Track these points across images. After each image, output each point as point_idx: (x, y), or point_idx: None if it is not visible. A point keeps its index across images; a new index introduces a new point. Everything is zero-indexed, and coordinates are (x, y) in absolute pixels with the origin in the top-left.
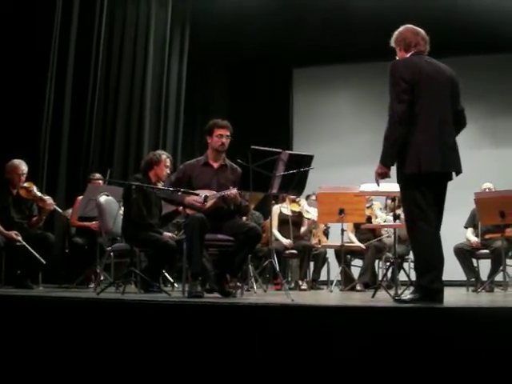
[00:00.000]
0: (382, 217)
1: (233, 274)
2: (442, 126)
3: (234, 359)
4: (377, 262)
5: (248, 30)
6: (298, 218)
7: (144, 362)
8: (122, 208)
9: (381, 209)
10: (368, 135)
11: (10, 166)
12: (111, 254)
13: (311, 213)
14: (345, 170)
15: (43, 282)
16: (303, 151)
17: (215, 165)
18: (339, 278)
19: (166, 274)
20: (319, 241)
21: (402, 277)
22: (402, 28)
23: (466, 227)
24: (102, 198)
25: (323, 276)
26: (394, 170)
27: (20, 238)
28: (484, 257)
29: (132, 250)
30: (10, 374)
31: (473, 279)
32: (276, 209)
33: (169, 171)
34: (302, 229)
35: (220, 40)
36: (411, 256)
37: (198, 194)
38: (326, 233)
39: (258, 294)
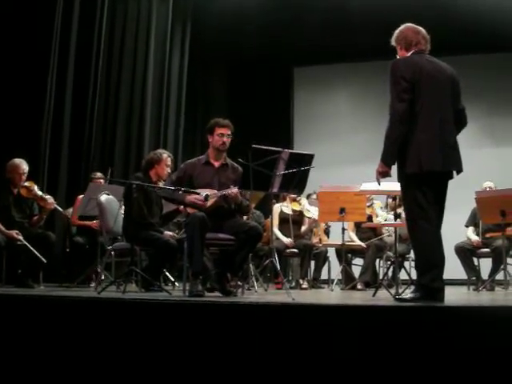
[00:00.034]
0: (382, 216)
1: (233, 273)
2: (443, 125)
3: (235, 358)
4: (378, 260)
5: (248, 30)
6: (298, 216)
7: (145, 361)
8: (123, 207)
9: (381, 208)
10: (368, 134)
11: (11, 166)
12: (112, 253)
13: (312, 212)
14: (345, 169)
15: (44, 281)
16: (304, 150)
17: (216, 164)
18: (340, 277)
19: (167, 273)
20: (320, 240)
21: (402, 276)
22: (402, 27)
23: (466, 226)
24: (103, 197)
25: (324, 275)
26: (394, 168)
27: (21, 238)
28: (485, 256)
29: (133, 249)
30: (10, 374)
31: (474, 278)
32: (277, 208)
33: (170, 170)
34: (303, 228)
35: (220, 39)
36: (412, 255)
37: (198, 193)
38: (326, 232)
39: (258, 293)
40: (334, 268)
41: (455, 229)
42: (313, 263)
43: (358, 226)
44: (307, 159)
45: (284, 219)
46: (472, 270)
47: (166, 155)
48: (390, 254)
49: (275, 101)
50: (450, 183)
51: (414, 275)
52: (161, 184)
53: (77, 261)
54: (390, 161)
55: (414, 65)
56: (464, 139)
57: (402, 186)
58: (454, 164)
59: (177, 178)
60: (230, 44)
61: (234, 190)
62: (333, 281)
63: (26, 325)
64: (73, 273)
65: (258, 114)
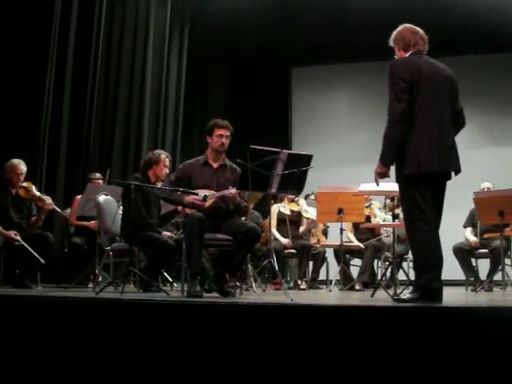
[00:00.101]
0: (381, 216)
1: (232, 274)
2: (441, 126)
3: (234, 359)
4: (376, 261)
5: (247, 30)
6: (296, 217)
7: (143, 362)
8: (121, 207)
9: (380, 208)
10: (367, 134)
11: (9, 166)
12: (110, 253)
13: (310, 212)
14: (344, 170)
15: (42, 281)
16: (302, 150)
17: (215, 165)
18: (338, 278)
19: (165, 274)
20: (318, 240)
21: (401, 276)
22: (400, 27)
23: (464, 227)
24: (101, 198)
25: (322, 275)
26: (392, 169)
27: (19, 238)
28: (483, 256)
29: (131, 249)
30: (9, 374)
31: (472, 279)
32: (275, 208)
33: (168, 171)
34: (301, 228)
35: (219, 39)
36: (410, 255)
37: (197, 194)
38: (325, 232)
39: (257, 294)
40: (332, 268)
41: (453, 229)
42: (311, 264)
43: (356, 227)
44: (306, 160)
45: (282, 220)
46: (470, 270)
47: (164, 156)
48: (388, 254)
49: (274, 101)
50: (448, 184)
51: (412, 276)
52: (159, 185)
53: (75, 261)
54: (388, 161)
55: (413, 65)
56: (462, 139)
57: (400, 187)
58: (452, 165)
59: (175, 179)
60: (228, 44)
61: (233, 190)
62: (331, 281)
63: (23, 325)
64: (71, 273)
65: (256, 115)
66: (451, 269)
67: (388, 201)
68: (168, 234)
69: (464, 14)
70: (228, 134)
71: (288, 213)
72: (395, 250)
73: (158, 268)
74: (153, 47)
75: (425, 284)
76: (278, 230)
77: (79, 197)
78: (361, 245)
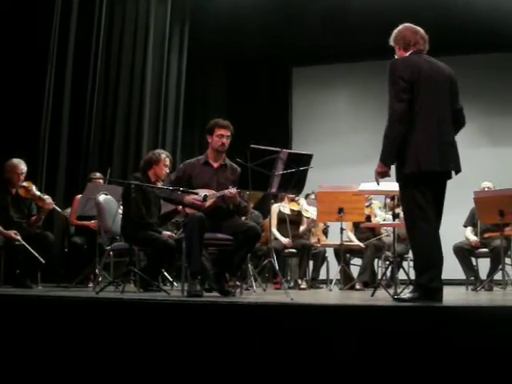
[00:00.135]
0: (381, 216)
1: (232, 273)
2: (441, 125)
3: (234, 358)
4: (376, 260)
5: (247, 29)
6: (297, 216)
7: (143, 361)
8: (121, 207)
9: (380, 208)
10: (367, 134)
11: (9, 166)
12: (110, 253)
13: (310, 212)
14: (344, 169)
15: (42, 281)
16: (302, 150)
17: (215, 164)
18: (338, 277)
19: (166, 273)
20: (318, 240)
21: (401, 276)
22: (400, 27)
23: (465, 226)
24: (101, 197)
25: (322, 275)
26: (393, 168)
27: (19, 238)
28: (483, 256)
29: (131, 249)
30: (9, 374)
31: (472, 278)
32: (275, 208)
33: (168, 170)
34: (301, 228)
35: (219, 39)
36: (410, 255)
37: (197, 194)
38: (325, 232)
39: (257, 293)
40: (332, 268)
41: (453, 229)
42: (311, 263)
43: (356, 226)
44: (306, 159)
45: (282, 219)
46: (470, 270)
47: (164, 155)
48: (389, 253)
49: (274, 101)
50: (449, 183)
51: (412, 275)
52: (159, 184)
53: (75, 261)
54: (388, 161)
55: (413, 65)
56: (462, 139)
57: (400, 186)
58: (452, 164)
59: (176, 178)
60: (229, 44)
61: (233, 190)
62: (331, 281)
63: (24, 325)
64: (71, 273)
65: (256, 114)
66: (451, 268)
67: (388, 200)
68: (168, 233)
69: (464, 13)
70: (229, 134)
71: (288, 212)
72: (395, 249)
73: (158, 267)
74: (153, 47)
75: (425, 283)
76: (278, 229)
77: (79, 196)
78: (361, 244)
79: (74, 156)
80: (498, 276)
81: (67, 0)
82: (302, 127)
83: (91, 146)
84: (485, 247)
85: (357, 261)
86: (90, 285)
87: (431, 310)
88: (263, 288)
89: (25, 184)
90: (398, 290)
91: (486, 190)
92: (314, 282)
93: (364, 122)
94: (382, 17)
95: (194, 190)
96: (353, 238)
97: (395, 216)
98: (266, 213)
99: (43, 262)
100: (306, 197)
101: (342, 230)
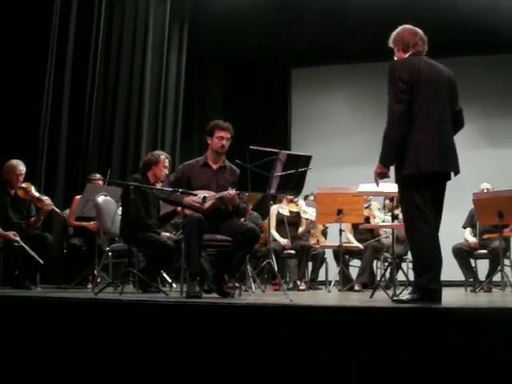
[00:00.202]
0: (380, 217)
1: (231, 275)
2: (441, 126)
3: (233, 359)
4: (375, 262)
5: (246, 30)
6: (296, 218)
7: (142, 362)
8: (120, 208)
9: (379, 209)
10: (366, 135)
11: (8, 167)
12: (109, 254)
13: (309, 213)
14: (343, 170)
15: (41, 282)
16: (301, 151)
17: (214, 166)
18: (337, 278)
19: (164, 275)
20: (317, 241)
21: (400, 277)
22: (399, 28)
23: (464, 227)
24: (100, 198)
25: (321, 276)
26: (392, 169)
27: (18, 239)
28: (482, 257)
29: (130, 250)
30: (8, 375)
31: (471, 279)
32: (274, 209)
33: (167, 171)
34: (300, 229)
35: (218, 39)
36: (409, 256)
37: (196, 195)
38: (324, 233)
39: (256, 295)
40: (331, 269)
41: (452, 230)
42: (310, 264)
43: (355, 228)
44: (305, 160)
45: (281, 220)
46: (469, 271)
47: (163, 156)
48: (388, 255)
49: (273, 102)
50: (448, 184)
51: (411, 276)
52: (158, 185)
53: (74, 262)
54: (388, 162)
55: (412, 66)
56: (461, 140)
57: (399, 188)
58: (451, 165)
59: (175, 179)
60: (228, 44)
61: (232, 192)
62: (330, 282)
63: (22, 326)
64: (70, 274)
65: (255, 115)
66: (450, 269)
67: (387, 201)
68: (167, 234)
69: (464, 14)
70: (229, 136)
71: (287, 213)
72: (394, 250)
73: (157, 269)
74: (152, 47)
75: (424, 285)
76: (277, 230)
77: (78, 197)
78: (360, 245)
79: (73, 157)
80: (496, 277)
81: (66, 0)
82: (301, 128)
83: (90, 146)
84: (484, 248)
85: (356, 262)
86: (89, 286)
87: (430, 312)
88: (262, 289)
89: (24, 185)
90: (397, 292)
91: (485, 191)
92: (313, 284)
93: (363, 122)
94: (381, 18)
95: (193, 192)
96: (352, 239)
97: (394, 217)
98: (265, 214)
99: (42, 263)
100: (305, 198)
101: (340, 231)
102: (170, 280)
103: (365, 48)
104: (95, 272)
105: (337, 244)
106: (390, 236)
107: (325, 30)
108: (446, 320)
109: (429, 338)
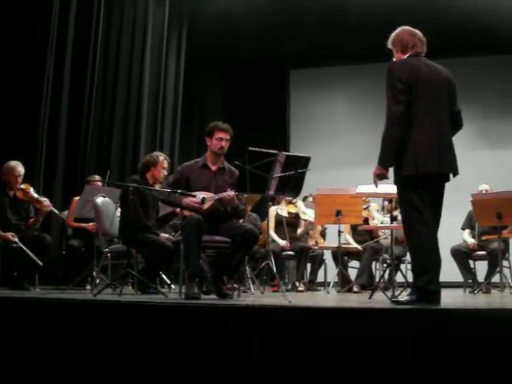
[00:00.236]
0: (379, 218)
1: (230, 276)
2: (439, 127)
3: (231, 361)
4: (374, 263)
5: (245, 32)
6: (294, 219)
7: (141, 364)
8: (119, 209)
9: (378, 210)
10: (365, 136)
11: (7, 168)
12: (108, 255)
13: (308, 214)
14: (342, 171)
15: (40, 283)
16: (300, 152)
17: (213, 167)
18: (336, 280)
19: (163, 276)
20: (316, 242)
21: (399, 278)
22: (398, 29)
23: (462, 229)
24: (99, 200)
25: (320, 277)
26: (391, 171)
27: (17, 240)
28: (481, 258)
29: (129, 251)
30: (7, 376)
31: (470, 280)
32: (273, 210)
33: (166, 173)
34: (299, 230)
35: (217, 41)
36: (408, 257)
37: (194, 196)
38: (323, 234)
39: (255, 296)
40: (330, 270)
41: (451, 231)
42: (309, 266)
43: (354, 229)
44: (303, 162)
45: (280, 222)
46: (468, 272)
47: (162, 158)
48: (387, 256)
49: (271, 103)
50: (446, 186)
51: (410, 278)
52: (157, 186)
53: (73, 263)
54: (387, 163)
55: (411, 67)
56: (460, 141)
57: (398, 189)
58: (450, 166)
59: (174, 180)
60: (226, 47)
61: (231, 193)
62: (329, 283)
63: (21, 327)
64: (69, 275)
65: (254, 117)
66: (449, 271)
67: (386, 203)
68: (166, 235)
69: (464, 14)
70: (228, 137)
71: (286, 215)
72: (393, 251)
73: (155, 270)
74: (151, 49)
75: (423, 286)
76: (276, 231)
77: (77, 198)
78: (359, 247)
79: (72, 158)
80: (495, 278)
81: (65, 1)
82: (300, 129)
83: (89, 147)
84: (482, 250)
85: (355, 263)
86: (88, 287)
87: (429, 313)
88: (261, 290)
89: (22, 186)
90: (396, 293)
91: (484, 192)
92: (312, 285)
93: (362, 124)
94: (380, 19)
95: (192, 193)
96: (351, 240)
97: (393, 218)
98: (264, 215)
99: (41, 264)
100: (304, 199)
101: (339, 232)
102: (168, 281)
103: (365, 48)
104: (94, 273)
105: (336, 245)
106: (389, 237)
107: (324, 30)
108: (444, 321)
109: (428, 339)
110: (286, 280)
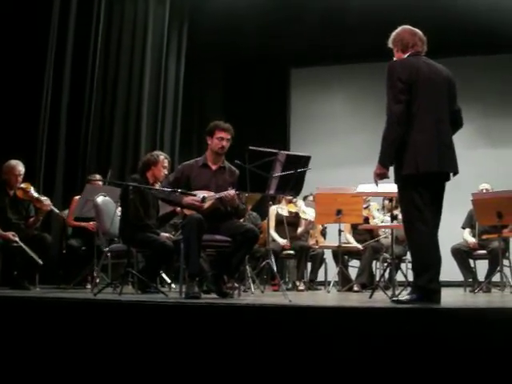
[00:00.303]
0: (379, 217)
1: (230, 275)
2: (439, 126)
3: (232, 360)
4: (374, 262)
5: (245, 30)
6: (295, 218)
7: (141, 363)
8: (119, 209)
9: (378, 209)
10: (365, 135)
11: (7, 167)
12: (108, 254)
13: (308, 213)
14: (342, 171)
15: (40, 282)
16: (300, 151)
17: (214, 167)
18: (336, 279)
19: (164, 275)
20: (316, 241)
21: (399, 277)
22: (399, 29)
23: (463, 228)
24: (99, 199)
25: (321, 277)
26: (391, 170)
27: (17, 239)
28: (481, 257)
29: (129, 250)
30: (7, 375)
31: (470, 280)
32: (273, 209)
33: (166, 172)
34: (299, 229)
35: (217, 39)
36: (408, 256)
37: (195, 195)
38: (323, 233)
39: (255, 295)
40: (330, 270)
41: (452, 230)
42: (309, 265)
43: (354, 228)
44: (304, 161)
45: (280, 221)
46: (468, 271)
47: (162, 157)
48: (387, 255)
49: (272, 102)
50: (447, 185)
51: (410, 277)
52: (157, 186)
53: (73, 262)
54: (387, 162)
55: (411, 66)
56: (460, 140)
57: (398, 188)
58: (450, 165)
59: (174, 179)
60: (227, 45)
61: (231, 192)
62: (329, 282)
63: (21, 327)
64: (69, 274)
65: (254, 115)
66: (449, 270)
67: (386, 202)
68: (166, 235)
69: (464, 14)
70: (229, 137)
71: (286, 214)
72: (394, 251)
73: (156, 269)
74: (151, 47)
75: (423, 285)
76: (276, 231)
77: (77, 198)
78: (359, 246)
79: (72, 157)
80: (496, 278)
81: (66, 0)
82: (301, 128)
83: (89, 146)
84: (483, 249)
85: (355, 262)
86: (88, 286)
87: (429, 312)
88: (261, 290)
89: (23, 185)
90: (396, 292)
91: (484, 191)
92: (312, 284)
93: (362, 123)
94: (381, 18)
95: (193, 192)
96: (351, 239)
97: (393, 218)
98: (264, 214)
99: (41, 263)
100: (304, 198)
101: (340, 231)
102: (169, 280)
103: (365, 48)
104: (94, 272)
105: (336, 244)
106: (389, 236)
107: (325, 30)
108: (445, 320)
109: (428, 338)
110: (287, 279)
